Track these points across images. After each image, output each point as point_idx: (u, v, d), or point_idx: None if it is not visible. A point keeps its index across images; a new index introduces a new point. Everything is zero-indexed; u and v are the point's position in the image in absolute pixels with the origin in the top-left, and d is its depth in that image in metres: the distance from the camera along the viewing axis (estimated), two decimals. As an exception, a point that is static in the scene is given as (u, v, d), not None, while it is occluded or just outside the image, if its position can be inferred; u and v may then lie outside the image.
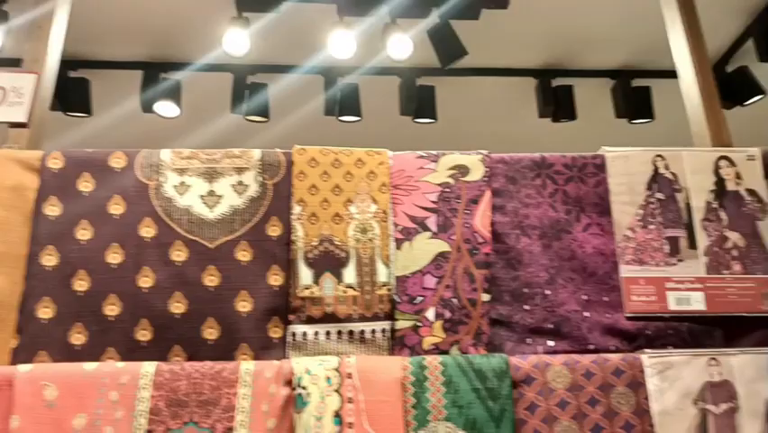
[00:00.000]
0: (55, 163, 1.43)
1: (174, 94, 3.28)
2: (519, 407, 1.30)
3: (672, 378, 1.33)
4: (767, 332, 1.42)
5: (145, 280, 1.35)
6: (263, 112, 3.30)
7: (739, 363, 1.34)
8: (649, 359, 1.34)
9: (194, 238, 1.39)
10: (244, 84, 3.31)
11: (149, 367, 1.27)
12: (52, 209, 1.39)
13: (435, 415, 1.27)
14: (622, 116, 3.40)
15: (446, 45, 2.92)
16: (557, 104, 3.38)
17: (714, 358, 1.35)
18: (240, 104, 3.29)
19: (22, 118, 1.56)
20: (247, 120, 3.31)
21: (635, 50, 3.27)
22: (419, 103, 3.32)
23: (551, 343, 1.39)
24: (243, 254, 1.40)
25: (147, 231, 1.39)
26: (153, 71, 3.30)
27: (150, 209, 1.40)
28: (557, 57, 3.40)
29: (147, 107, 3.26)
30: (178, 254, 1.38)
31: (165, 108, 3.29)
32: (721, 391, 1.33)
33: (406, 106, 3.34)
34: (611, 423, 1.30)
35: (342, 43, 2.83)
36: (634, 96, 3.38)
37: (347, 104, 3.29)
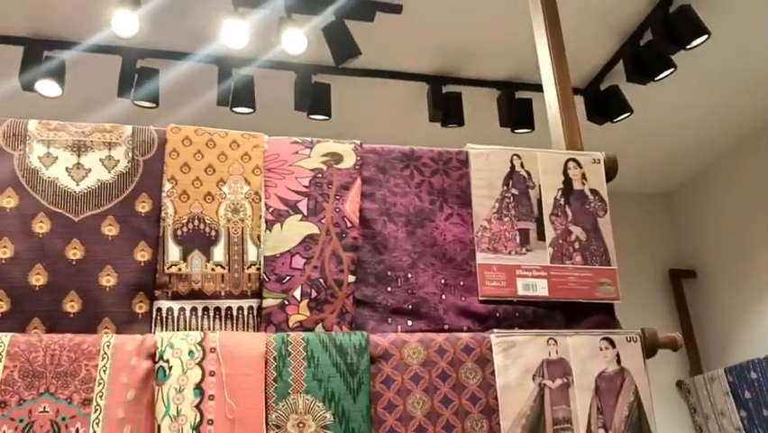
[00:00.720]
0: None
1: (57, 73, 3.17)
2: (376, 381, 1.39)
3: (515, 355, 1.46)
4: (602, 316, 1.59)
5: (3, 251, 1.33)
6: (153, 98, 3.25)
7: (574, 344, 1.50)
8: (496, 338, 1.47)
9: (58, 210, 1.38)
10: (134, 68, 3.25)
11: (3, 338, 1.25)
12: None
13: (296, 388, 1.34)
14: (505, 125, 3.62)
15: (340, 44, 3.01)
16: (446, 109, 3.56)
17: (552, 338, 1.50)
18: (128, 88, 3.22)
19: None
20: (135, 105, 3.24)
21: (521, 64, 3.49)
22: (314, 99, 3.39)
23: (410, 322, 1.49)
24: (110, 229, 1.40)
25: (8, 201, 1.37)
26: (36, 48, 3.17)
27: (13, 179, 1.38)
28: (448, 64, 3.58)
29: (27, 85, 3.13)
30: (41, 226, 1.37)
31: (47, 87, 3.17)
32: (557, 367, 1.48)
33: (301, 102, 3.40)
34: (459, 395, 1.42)
35: (235, 33, 2.85)
36: (517, 106, 3.61)
37: (241, 95, 3.30)
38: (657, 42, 3.11)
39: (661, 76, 3.21)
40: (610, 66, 3.57)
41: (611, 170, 1.70)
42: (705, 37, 2.95)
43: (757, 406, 3.86)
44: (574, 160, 1.68)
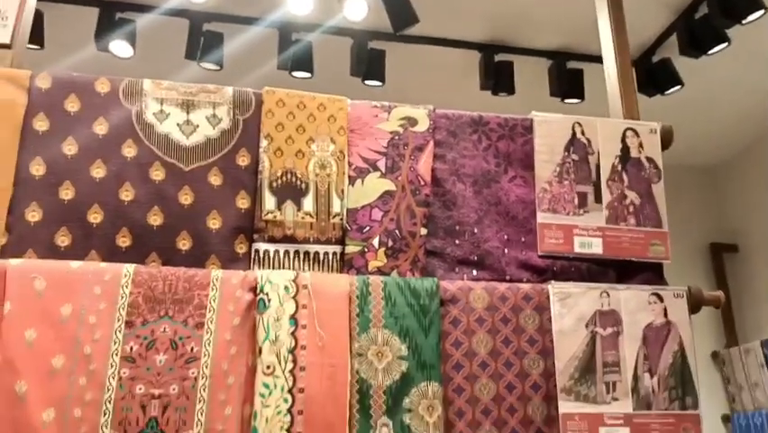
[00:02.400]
0: (43, 83, 1.58)
1: (129, 35, 3.37)
2: (445, 321, 1.58)
3: (570, 305, 1.63)
4: (651, 275, 1.74)
5: (126, 194, 1.54)
6: (218, 60, 3.44)
7: (625, 297, 1.66)
8: (553, 289, 1.64)
9: (171, 161, 1.58)
10: (200, 31, 3.43)
11: (129, 268, 1.46)
12: (40, 125, 1.55)
13: (375, 323, 1.53)
14: (555, 95, 3.73)
15: (399, 11, 3.14)
16: (497, 78, 3.68)
17: (605, 291, 1.66)
18: (195, 51, 3.41)
19: (6, 39, 1.69)
20: (200, 67, 3.44)
21: (573, 33, 3.58)
22: (369, 65, 3.54)
23: (475, 272, 1.67)
24: (215, 179, 1.60)
25: (128, 151, 1.57)
26: (110, 10, 3.37)
27: (132, 132, 1.58)
28: (501, 33, 3.68)
29: (102, 46, 3.34)
30: (157, 174, 1.57)
31: (120, 48, 3.38)
32: (609, 317, 1.64)
33: (357, 68, 3.55)
34: (518, 337, 1.59)
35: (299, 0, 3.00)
36: (568, 76, 3.70)
37: (300, 60, 3.47)
38: (712, 16, 3.17)
39: (714, 50, 3.27)
40: (663, 38, 3.63)
41: (666, 140, 1.83)
42: (761, 12, 3.00)
43: (792, 378, 3.96)
44: (632, 129, 1.82)
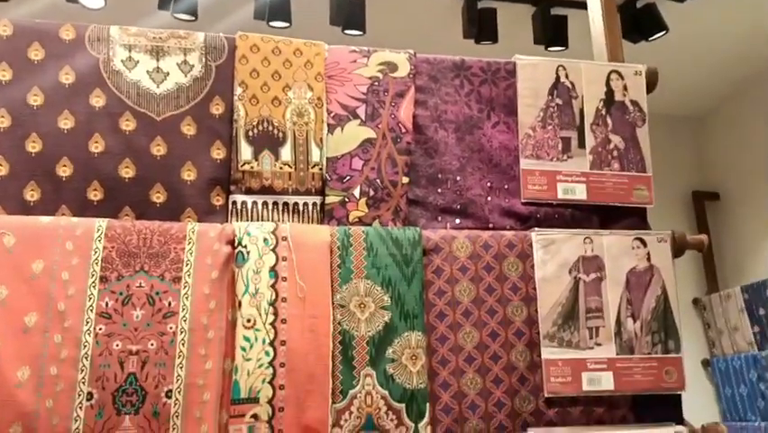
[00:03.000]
0: (4, 30, 1.50)
1: (99, -16, 3.23)
2: (428, 270, 1.56)
3: (553, 252, 1.61)
4: (635, 219, 1.73)
5: (96, 146, 1.48)
6: (191, 10, 3.31)
7: (608, 242, 1.65)
8: (536, 236, 1.62)
9: (142, 110, 1.52)
10: (173, -20, 3.30)
11: (101, 222, 1.42)
12: (3, 74, 1.48)
13: (357, 274, 1.50)
14: (539, 42, 3.65)
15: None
16: (481, 26, 3.58)
17: (588, 237, 1.64)
18: (168, 1, 3.29)
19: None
20: (174, 18, 3.31)
21: (556, -22, 3.48)
22: (349, 14, 3.43)
23: (458, 221, 1.64)
24: (188, 129, 1.54)
25: (97, 101, 1.50)
26: (76, -42, 3.22)
27: (100, 80, 1.51)
28: (483, -21, 3.57)
29: (70, -4, 3.20)
30: (127, 124, 1.51)
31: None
32: (592, 263, 1.63)
33: (336, 17, 3.45)
34: (501, 285, 1.58)
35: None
36: (552, 23, 3.62)
37: (277, 9, 3.35)
38: (699, -42, 3.08)
39: (700, -7, 3.19)
40: (648, -18, 3.54)
41: (651, 83, 1.79)
42: (748, -47, 2.93)
43: (770, 322, 4.03)
44: (617, 72, 1.77)
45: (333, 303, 1.48)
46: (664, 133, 4.78)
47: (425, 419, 1.47)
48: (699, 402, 4.07)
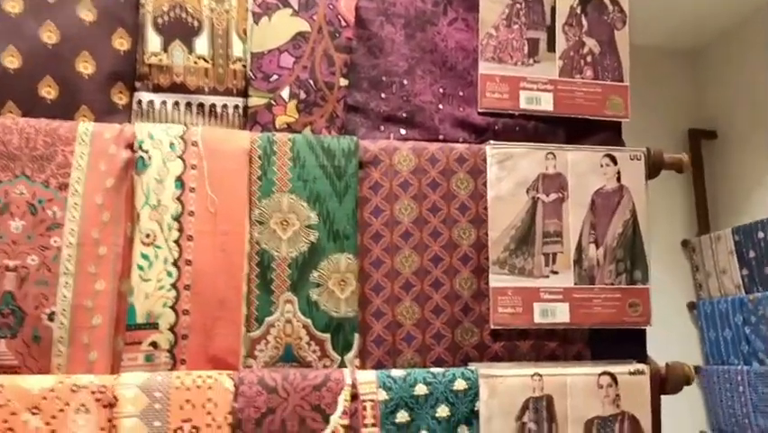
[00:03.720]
0: None
1: None
2: (364, 185, 1.36)
3: (510, 168, 1.41)
4: (608, 135, 1.52)
5: (-29, 30, 1.26)
6: None
7: (574, 159, 1.44)
8: (492, 149, 1.42)
9: (29, -10, 1.29)
10: None
11: (-25, 118, 1.21)
12: None
13: (280, 187, 1.31)
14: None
15: None
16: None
17: (551, 152, 1.44)
18: None
19: None
20: None
21: None
22: None
23: (403, 131, 1.43)
24: (86, 13, 1.32)
25: (-27, -24, 1.28)
26: None
27: (-23, -48, 1.28)
28: None
29: None
30: (13, 6, 1.28)
31: None
32: (553, 182, 1.43)
33: None
34: (448, 204, 1.39)
35: None
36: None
37: None
38: None
39: None
40: None
41: (634, -23, 1.55)
42: None
43: (760, 264, 3.88)
44: (594, -37, 1.53)
45: (249, 219, 1.29)
46: (659, 67, 4.52)
47: (353, 351, 1.30)
48: (683, 346, 3.98)
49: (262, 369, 1.25)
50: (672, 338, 3.87)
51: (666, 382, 1.39)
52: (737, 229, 4.04)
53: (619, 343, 1.43)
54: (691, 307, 4.28)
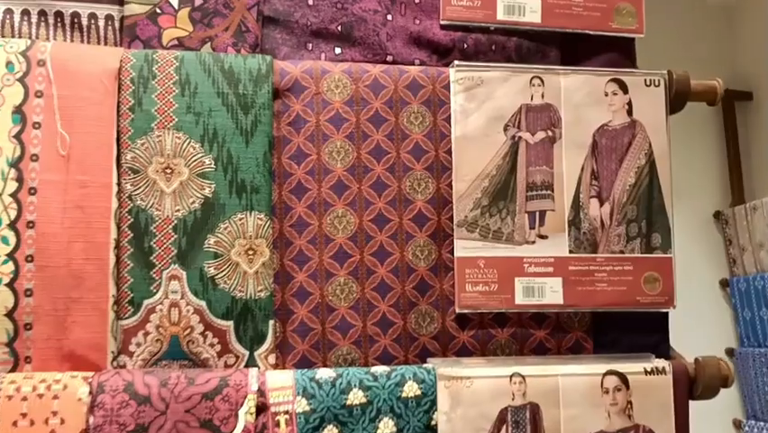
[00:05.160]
0: None
1: None
2: (281, 121, 1.03)
3: (481, 97, 1.07)
4: (615, 56, 1.17)
5: None
6: None
7: (568, 85, 1.10)
8: (456, 72, 1.07)
9: None
10: None
11: None
12: None
13: (162, 122, 0.98)
14: None
15: None
16: None
17: (538, 77, 1.09)
18: None
19: None
20: None
21: None
22: None
23: (338, 50, 1.10)
24: None
25: None
26: None
27: None
28: None
29: None
30: None
31: None
32: (541, 116, 1.09)
33: None
34: (397, 146, 1.05)
35: None
36: None
37: None
38: None
39: None
40: None
41: None
42: None
43: (801, 237, 3.53)
44: None
45: (118, 165, 0.96)
46: (689, 22, 4.13)
47: (267, 345, 0.98)
48: (714, 328, 3.66)
49: (135, 370, 0.93)
50: (702, 321, 3.53)
51: (696, 384, 1.05)
52: (776, 198, 3.70)
53: (632, 331, 1.09)
54: (724, 284, 3.96)
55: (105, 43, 1.04)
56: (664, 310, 1.10)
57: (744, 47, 4.31)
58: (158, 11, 1.04)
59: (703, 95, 1.16)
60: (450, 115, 1.07)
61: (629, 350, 1.08)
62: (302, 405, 0.93)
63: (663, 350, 1.09)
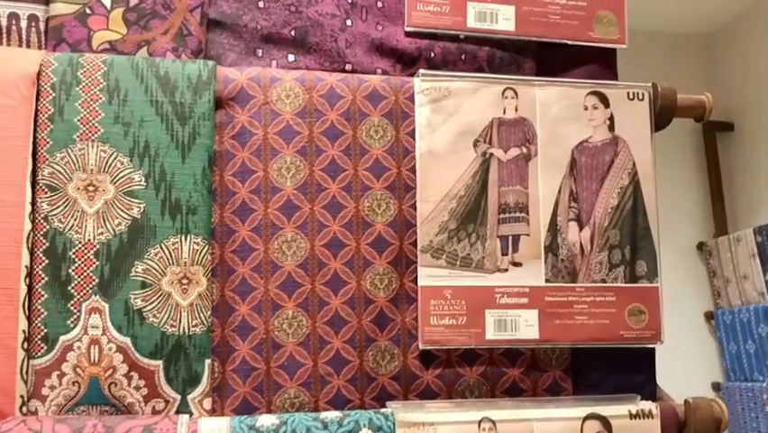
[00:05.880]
0: None
1: None
2: (224, 134, 0.93)
3: (449, 110, 0.98)
4: (595, 68, 1.09)
5: None
6: None
7: (545, 97, 1.01)
8: (422, 82, 0.98)
9: None
10: None
11: None
12: None
13: (86, 133, 0.88)
14: None
15: None
16: None
17: (511, 88, 1.00)
18: None
19: None
20: None
21: None
22: None
23: (292, 57, 1.00)
24: None
25: None
26: None
27: None
28: None
29: None
30: None
31: None
32: (515, 131, 1.00)
33: None
34: (354, 163, 0.95)
35: None
36: None
37: None
38: None
39: None
40: None
41: None
42: None
43: (787, 268, 3.50)
44: None
45: (33, 182, 0.85)
46: (673, 54, 4.15)
47: (202, 388, 0.87)
48: (700, 361, 3.60)
49: (45, 418, 0.81)
50: (688, 355, 3.46)
51: (686, 429, 0.94)
52: (760, 229, 3.68)
53: (616, 370, 0.99)
54: (709, 317, 3.94)
55: (28, 46, 0.93)
56: (650, 346, 1.00)
57: (724, 78, 4.33)
58: (87, 11, 0.94)
59: (690, 110, 1.08)
60: (414, 129, 0.97)
61: (613, 390, 0.97)
62: (240, 458, 0.82)
63: (650, 390, 0.99)
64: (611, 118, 1.02)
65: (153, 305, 0.86)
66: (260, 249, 0.91)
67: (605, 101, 1.03)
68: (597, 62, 1.09)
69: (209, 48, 0.99)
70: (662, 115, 1.06)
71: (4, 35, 0.93)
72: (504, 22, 1.06)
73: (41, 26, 0.94)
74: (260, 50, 1.00)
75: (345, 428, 0.85)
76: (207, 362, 0.87)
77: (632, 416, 0.92)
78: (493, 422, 0.88)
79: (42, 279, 0.84)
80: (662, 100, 1.05)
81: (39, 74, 0.88)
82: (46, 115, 0.87)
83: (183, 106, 0.91)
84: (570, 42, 1.08)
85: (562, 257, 0.98)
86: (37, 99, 0.87)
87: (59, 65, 0.89)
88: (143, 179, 0.88)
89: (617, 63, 1.12)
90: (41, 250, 0.85)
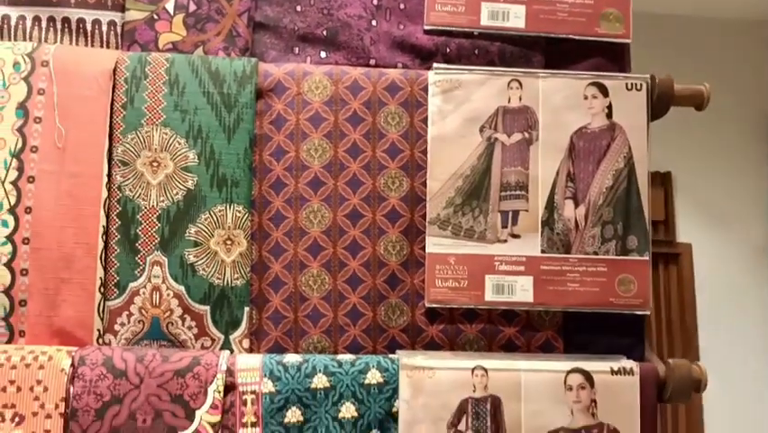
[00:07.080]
0: None
1: None
2: (263, 119, 1.12)
3: (459, 99, 1.14)
4: (600, 61, 1.21)
5: None
6: None
7: (547, 88, 1.15)
8: (435, 75, 1.14)
9: None
10: None
11: None
12: None
13: (151, 118, 1.09)
14: None
15: None
16: None
17: (516, 80, 1.15)
18: None
19: None
20: None
21: None
22: None
23: (324, 54, 1.18)
24: None
25: None
26: None
27: None
28: None
29: None
30: None
31: None
32: (518, 118, 1.14)
33: None
34: (374, 145, 1.12)
35: None
36: None
37: None
38: None
39: None
40: None
41: None
42: None
43: None
44: None
45: (109, 158, 1.07)
46: (732, 42, 4.00)
47: (241, 330, 1.06)
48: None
49: (115, 347, 1.03)
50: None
51: (666, 387, 1.07)
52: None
53: (605, 333, 1.12)
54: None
55: (108, 47, 1.15)
56: (640, 313, 1.12)
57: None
58: (155, 17, 1.15)
59: (689, 99, 1.19)
60: (427, 116, 1.13)
61: (602, 352, 1.10)
62: (268, 386, 1.01)
63: (638, 353, 1.12)
64: (609, 107, 1.15)
65: (203, 260, 1.07)
66: (291, 217, 1.10)
67: (604, 91, 1.16)
68: (603, 57, 1.21)
69: (254, 47, 1.18)
70: (660, 104, 1.17)
71: (89, 38, 1.15)
72: (515, 19, 1.20)
73: (119, 30, 1.16)
74: (297, 48, 1.19)
75: (357, 368, 1.03)
76: (246, 309, 1.07)
77: (613, 372, 1.06)
78: (485, 370, 1.04)
79: (116, 237, 1.06)
80: (659, 90, 1.17)
81: (114, 70, 1.09)
82: (120, 104, 1.09)
83: (230, 97, 1.10)
84: (576, 37, 1.20)
85: (557, 231, 1.12)
86: (113, 90, 1.09)
87: (131, 62, 1.10)
88: (196, 157, 1.08)
89: (624, 58, 1.23)
90: (114, 213, 1.07)
